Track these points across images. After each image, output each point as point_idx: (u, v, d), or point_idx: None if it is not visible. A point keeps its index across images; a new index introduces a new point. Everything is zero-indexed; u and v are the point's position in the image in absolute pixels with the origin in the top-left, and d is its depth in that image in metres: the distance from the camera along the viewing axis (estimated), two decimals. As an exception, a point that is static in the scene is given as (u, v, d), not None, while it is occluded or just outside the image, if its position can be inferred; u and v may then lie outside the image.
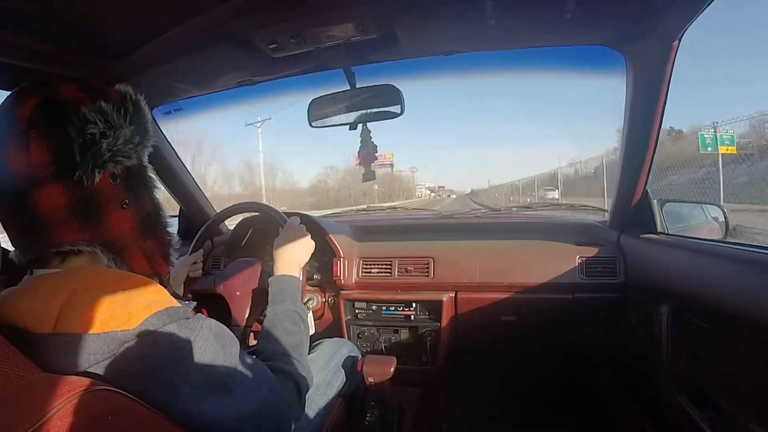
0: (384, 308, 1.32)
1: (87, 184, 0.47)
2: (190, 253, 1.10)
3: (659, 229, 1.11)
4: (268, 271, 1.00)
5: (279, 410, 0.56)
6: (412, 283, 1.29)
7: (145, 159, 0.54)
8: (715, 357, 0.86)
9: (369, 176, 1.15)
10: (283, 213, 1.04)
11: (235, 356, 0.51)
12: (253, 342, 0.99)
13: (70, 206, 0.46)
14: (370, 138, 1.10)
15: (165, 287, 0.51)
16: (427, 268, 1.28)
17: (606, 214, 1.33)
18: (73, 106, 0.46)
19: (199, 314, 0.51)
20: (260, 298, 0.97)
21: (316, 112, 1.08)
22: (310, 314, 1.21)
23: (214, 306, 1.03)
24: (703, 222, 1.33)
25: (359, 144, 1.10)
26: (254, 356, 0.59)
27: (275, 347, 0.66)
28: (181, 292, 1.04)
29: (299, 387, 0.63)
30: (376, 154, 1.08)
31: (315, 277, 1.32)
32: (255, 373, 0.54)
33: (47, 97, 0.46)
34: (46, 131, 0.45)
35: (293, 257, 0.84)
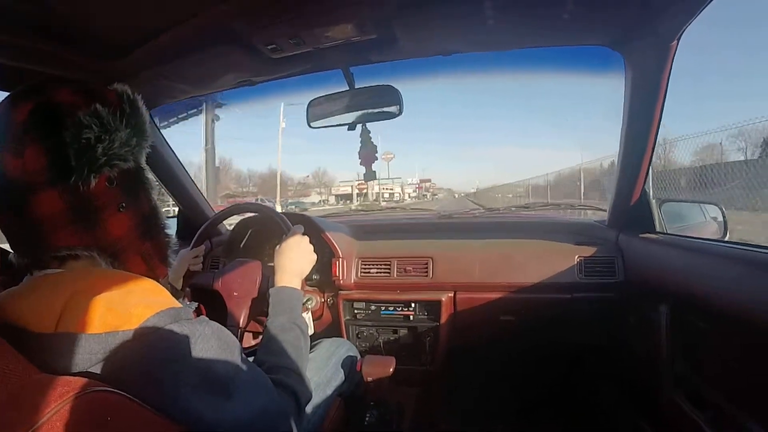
0: (383, 308, 1.32)
1: (83, 188, 0.46)
2: (191, 248, 1.10)
3: (658, 229, 1.11)
4: (266, 273, 0.99)
5: (277, 422, 0.55)
6: (411, 283, 1.29)
7: (143, 161, 0.54)
8: (713, 356, 0.86)
9: (370, 176, 1.15)
10: (286, 217, 1.02)
11: (236, 360, 0.51)
12: (249, 343, 0.99)
13: (66, 211, 0.46)
14: (370, 138, 1.10)
15: (164, 287, 0.51)
16: (426, 268, 1.28)
17: (605, 213, 1.34)
18: (69, 110, 0.45)
19: (201, 316, 0.51)
20: (258, 300, 0.97)
21: (315, 113, 1.08)
22: (309, 314, 1.21)
23: (212, 304, 1.03)
24: (702, 221, 1.33)
25: (359, 144, 1.10)
26: (253, 361, 0.59)
27: (275, 360, 0.65)
28: (179, 285, 1.04)
29: (299, 401, 0.62)
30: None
31: (314, 277, 1.32)
32: (255, 381, 0.53)
33: (42, 101, 0.46)
34: (41, 137, 0.44)
35: (295, 269, 0.82)
